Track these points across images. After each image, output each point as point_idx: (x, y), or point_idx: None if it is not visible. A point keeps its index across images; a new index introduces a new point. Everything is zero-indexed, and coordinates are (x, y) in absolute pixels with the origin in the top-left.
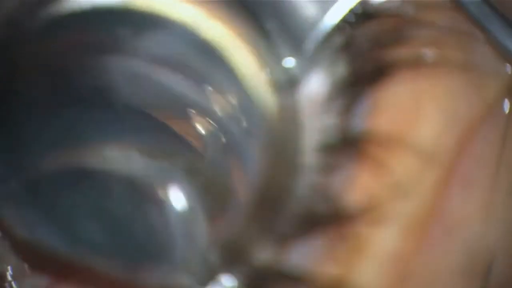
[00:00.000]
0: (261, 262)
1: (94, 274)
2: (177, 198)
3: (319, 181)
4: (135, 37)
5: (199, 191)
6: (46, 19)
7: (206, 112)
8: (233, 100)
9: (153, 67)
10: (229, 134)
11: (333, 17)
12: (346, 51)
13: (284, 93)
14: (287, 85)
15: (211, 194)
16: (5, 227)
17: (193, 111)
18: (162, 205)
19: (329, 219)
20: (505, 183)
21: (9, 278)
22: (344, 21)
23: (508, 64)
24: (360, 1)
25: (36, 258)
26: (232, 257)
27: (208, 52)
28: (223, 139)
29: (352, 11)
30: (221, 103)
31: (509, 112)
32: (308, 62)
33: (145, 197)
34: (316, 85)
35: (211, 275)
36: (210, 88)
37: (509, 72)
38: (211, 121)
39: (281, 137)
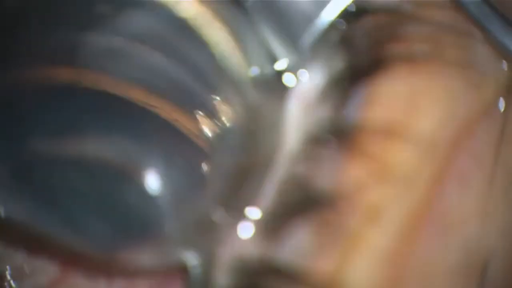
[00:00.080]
0: (254, 258)
1: (74, 253)
2: (154, 177)
3: (305, 171)
4: (114, 14)
5: (175, 173)
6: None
7: (183, 89)
8: (210, 78)
9: (132, 44)
10: (206, 112)
11: (330, 13)
12: (343, 45)
13: (264, 77)
14: (267, 69)
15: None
16: None
17: (171, 89)
18: (139, 184)
19: (310, 207)
20: (501, 181)
21: (8, 277)
22: (341, 16)
23: (505, 63)
24: None
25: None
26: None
27: (186, 31)
28: (200, 117)
29: (349, 7)
30: (198, 81)
31: (505, 111)
32: (305, 57)
33: (123, 176)
34: (311, 78)
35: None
36: (188, 65)
37: (507, 70)
38: (188, 98)
39: (256, 119)
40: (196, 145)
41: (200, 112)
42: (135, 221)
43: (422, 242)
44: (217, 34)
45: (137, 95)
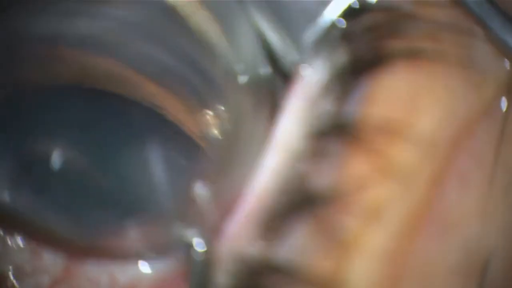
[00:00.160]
0: (254, 258)
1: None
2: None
3: (306, 169)
4: (104, 1)
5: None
6: None
7: (171, 74)
8: (202, 65)
9: (121, 31)
10: (199, 98)
11: (333, 10)
12: (344, 41)
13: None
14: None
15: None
16: None
17: (162, 74)
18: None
19: (310, 206)
20: (502, 181)
21: (11, 278)
22: (343, 14)
23: (507, 61)
24: None
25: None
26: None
27: (173, 18)
28: (192, 103)
29: (352, 4)
30: (191, 68)
31: (506, 110)
32: (307, 53)
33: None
34: (314, 73)
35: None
36: (177, 52)
37: (508, 69)
38: (176, 85)
39: (241, 111)
40: (188, 129)
41: (192, 99)
42: (135, 203)
43: (422, 242)
44: (205, 22)
45: (128, 79)
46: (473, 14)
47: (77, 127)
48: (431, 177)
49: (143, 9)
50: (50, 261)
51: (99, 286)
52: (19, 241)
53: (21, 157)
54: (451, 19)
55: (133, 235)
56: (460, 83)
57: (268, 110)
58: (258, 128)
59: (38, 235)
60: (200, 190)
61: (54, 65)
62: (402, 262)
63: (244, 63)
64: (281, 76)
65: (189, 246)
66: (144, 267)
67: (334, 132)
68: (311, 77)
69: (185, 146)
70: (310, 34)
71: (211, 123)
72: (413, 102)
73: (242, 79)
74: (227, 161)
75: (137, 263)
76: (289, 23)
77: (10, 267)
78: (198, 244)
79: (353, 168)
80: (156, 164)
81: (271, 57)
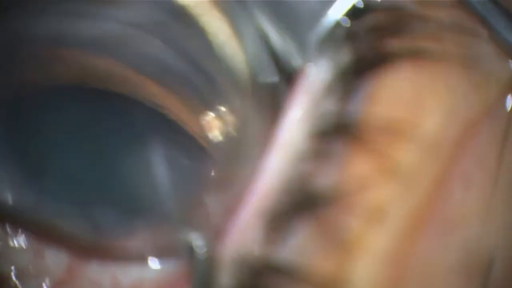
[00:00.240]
0: (256, 258)
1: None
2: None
3: (309, 169)
4: (113, 0)
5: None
6: None
7: (181, 76)
8: (207, 67)
9: (122, 31)
10: (202, 98)
11: (337, 10)
12: (348, 40)
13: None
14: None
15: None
16: None
17: (168, 75)
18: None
19: (313, 206)
20: (505, 182)
21: (13, 278)
22: (347, 14)
23: (511, 61)
24: None
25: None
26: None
27: (183, 18)
28: (196, 104)
29: (357, 4)
30: (195, 69)
31: (511, 110)
32: (311, 53)
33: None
34: (318, 72)
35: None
36: (177, 52)
37: None
38: (178, 84)
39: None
40: (191, 130)
41: (195, 99)
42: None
43: (424, 242)
44: (215, 23)
45: (130, 79)
46: (476, 14)
47: (79, 127)
48: (434, 177)
49: (144, 9)
50: (53, 262)
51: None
52: (22, 241)
53: (24, 157)
54: (455, 19)
55: (136, 236)
56: (463, 83)
57: (271, 110)
58: (261, 128)
59: (42, 235)
60: (204, 191)
61: (54, 65)
62: (404, 263)
63: (248, 64)
64: (284, 77)
65: (192, 247)
66: (146, 268)
67: (337, 132)
68: (315, 77)
69: (188, 146)
70: (314, 34)
71: (214, 123)
72: (416, 102)
73: (246, 79)
74: (230, 161)
75: (139, 265)
76: (293, 23)
77: (13, 268)
78: (201, 245)
79: (355, 168)
80: (159, 165)
81: (274, 57)
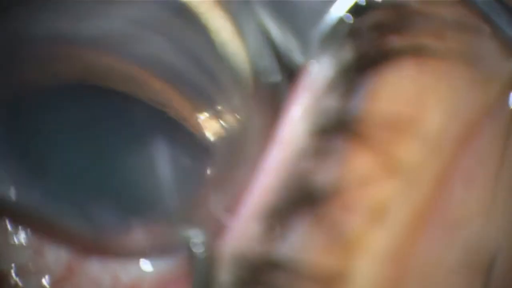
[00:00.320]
0: (256, 254)
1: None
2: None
3: (310, 166)
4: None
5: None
6: None
7: (182, 74)
8: (209, 65)
9: (131, 29)
10: (204, 97)
11: (339, 7)
12: (351, 37)
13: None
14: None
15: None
16: None
17: (171, 73)
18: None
19: (313, 203)
20: (507, 181)
21: (13, 275)
22: (350, 11)
23: None
24: None
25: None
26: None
27: (185, 16)
28: (197, 101)
29: (357, 2)
30: (197, 67)
31: None
32: (314, 50)
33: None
34: (320, 69)
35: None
36: (187, 51)
37: None
38: (186, 83)
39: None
40: (193, 128)
41: (197, 97)
42: (138, 202)
43: (425, 241)
44: (218, 21)
45: (132, 77)
46: (479, 12)
47: (79, 126)
48: (436, 175)
49: (146, 7)
50: (53, 259)
51: (101, 285)
52: (22, 238)
53: (24, 156)
54: (458, 16)
55: (136, 233)
56: (465, 81)
57: (273, 108)
58: (262, 126)
59: (42, 233)
60: (204, 189)
61: (56, 63)
62: (405, 262)
63: (250, 62)
64: (286, 74)
65: (192, 244)
66: (147, 266)
67: (338, 129)
68: (317, 74)
69: (189, 144)
70: (317, 31)
71: (215, 121)
72: (418, 99)
73: (248, 78)
74: (231, 159)
75: (140, 262)
76: (295, 20)
77: (13, 265)
78: (201, 243)
79: (356, 165)
80: (160, 163)
81: (276, 54)
